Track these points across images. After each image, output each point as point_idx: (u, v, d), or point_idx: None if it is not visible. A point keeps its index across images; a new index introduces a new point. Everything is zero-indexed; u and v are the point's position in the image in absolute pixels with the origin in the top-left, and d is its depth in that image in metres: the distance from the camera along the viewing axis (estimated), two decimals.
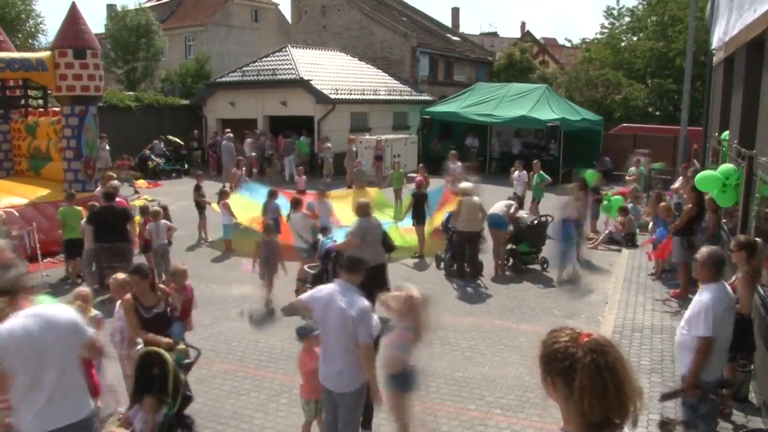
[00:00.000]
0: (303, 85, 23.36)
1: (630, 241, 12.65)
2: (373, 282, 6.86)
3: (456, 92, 27.63)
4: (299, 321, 5.62)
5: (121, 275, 5.80)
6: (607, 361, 1.79)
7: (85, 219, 9.65)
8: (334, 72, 25.90)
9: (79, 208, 10.23)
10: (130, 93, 27.08)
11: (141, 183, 20.23)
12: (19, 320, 3.41)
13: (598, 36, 31.52)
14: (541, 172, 14.81)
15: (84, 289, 5.80)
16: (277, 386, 6.53)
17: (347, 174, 20.06)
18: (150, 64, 33.89)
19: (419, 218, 11.70)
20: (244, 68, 26.43)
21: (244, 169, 16.71)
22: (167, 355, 4.58)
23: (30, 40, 31.86)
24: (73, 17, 12.77)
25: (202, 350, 7.09)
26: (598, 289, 9.98)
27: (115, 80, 33.50)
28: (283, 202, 11.70)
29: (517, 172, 15.19)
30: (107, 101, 22.15)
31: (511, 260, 11.06)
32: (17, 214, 11.08)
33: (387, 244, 8.49)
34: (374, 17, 31.95)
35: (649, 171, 17.52)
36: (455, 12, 52.27)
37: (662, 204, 11.11)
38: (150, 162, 22.40)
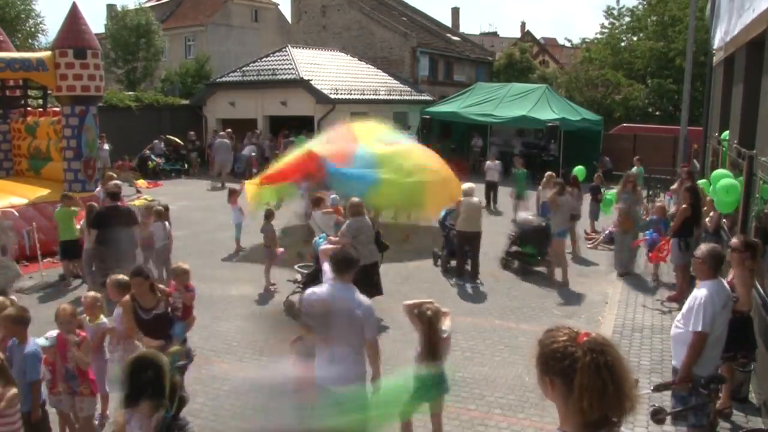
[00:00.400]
0: (303, 85, 23.36)
1: None
2: (364, 280, 6.91)
3: (456, 92, 27.64)
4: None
5: (118, 276, 5.77)
6: (607, 360, 1.79)
7: (85, 220, 9.62)
8: (334, 72, 25.91)
9: (75, 208, 10.21)
10: (130, 93, 27.08)
11: (141, 183, 20.23)
12: None
13: (598, 36, 31.55)
14: (523, 169, 15.24)
15: (91, 294, 5.78)
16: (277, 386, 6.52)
17: None
18: (150, 64, 33.89)
19: None
20: (244, 68, 26.43)
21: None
22: (161, 357, 4.50)
23: (30, 40, 31.87)
24: (74, 17, 12.77)
25: (202, 350, 7.09)
26: (598, 289, 9.98)
27: (115, 80, 33.50)
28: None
29: (488, 162, 16.87)
30: (107, 101, 22.15)
31: (516, 262, 11.07)
32: (17, 214, 11.07)
33: (380, 243, 8.50)
34: (374, 17, 31.95)
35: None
36: (455, 12, 52.27)
37: (658, 204, 11.12)
38: (150, 162, 22.40)
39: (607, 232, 13.08)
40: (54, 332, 5.07)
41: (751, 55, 8.30)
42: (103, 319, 5.60)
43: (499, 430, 5.69)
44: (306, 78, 23.61)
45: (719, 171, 8.68)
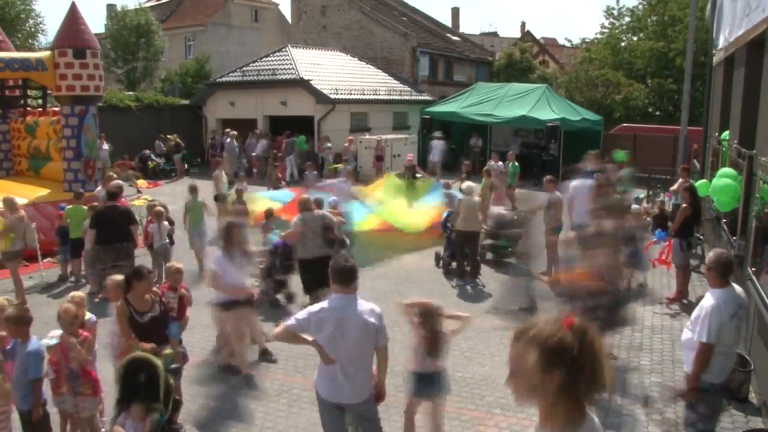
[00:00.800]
0: (303, 85, 23.36)
1: None
2: (316, 275, 6.93)
3: (456, 92, 27.62)
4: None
5: (117, 277, 5.75)
6: (591, 341, 1.85)
7: (87, 220, 9.63)
8: (334, 72, 25.90)
9: (86, 207, 10.25)
10: (130, 93, 27.07)
11: (141, 183, 20.22)
12: None
13: (598, 36, 31.49)
14: (515, 162, 16.73)
15: (78, 293, 5.75)
16: (277, 386, 6.53)
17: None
18: (150, 64, 33.90)
19: None
20: (244, 68, 26.43)
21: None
22: (156, 360, 4.46)
23: (30, 40, 31.87)
24: (73, 17, 12.77)
25: (202, 350, 7.10)
26: None
27: (115, 80, 33.50)
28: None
29: (492, 162, 16.79)
30: (107, 101, 22.16)
31: (490, 254, 11.52)
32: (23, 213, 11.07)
33: (328, 239, 8.50)
34: (374, 17, 31.95)
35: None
36: (455, 12, 52.29)
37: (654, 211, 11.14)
38: (150, 162, 22.40)
39: None
40: (58, 331, 5.06)
41: (751, 55, 8.29)
42: (88, 315, 5.56)
43: (499, 430, 5.69)
44: (306, 78, 23.61)
45: (725, 170, 8.68)
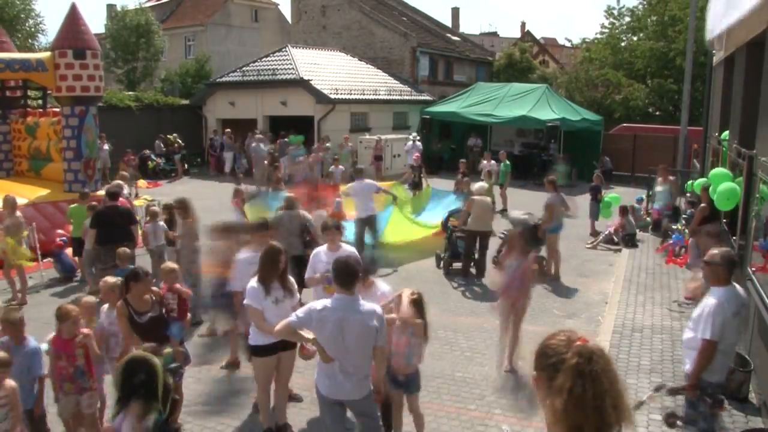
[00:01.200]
0: (303, 85, 23.36)
1: (630, 242, 12.65)
2: (294, 272, 6.83)
3: (456, 92, 27.62)
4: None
5: (110, 279, 5.74)
6: (593, 369, 1.76)
7: (87, 219, 9.62)
8: (334, 72, 25.91)
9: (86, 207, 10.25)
10: (130, 93, 27.08)
11: (141, 183, 20.22)
12: None
13: (598, 36, 31.46)
14: (507, 161, 16.84)
15: (90, 299, 5.77)
16: None
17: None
18: (150, 64, 33.91)
19: None
20: (244, 68, 26.43)
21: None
22: (155, 360, 4.48)
23: (30, 40, 31.88)
24: (73, 17, 12.78)
25: (202, 350, 7.09)
26: (598, 289, 9.99)
27: (115, 80, 33.51)
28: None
29: (485, 161, 16.96)
30: (107, 101, 22.16)
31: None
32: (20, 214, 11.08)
33: (304, 239, 8.42)
34: (374, 17, 31.95)
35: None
36: (455, 12, 52.29)
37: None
38: (150, 162, 22.41)
39: (606, 232, 13.09)
40: (48, 336, 5.05)
41: (751, 55, 8.29)
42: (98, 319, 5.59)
43: (499, 430, 5.69)
44: (306, 78, 23.61)
45: (718, 170, 8.68)
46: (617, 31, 30.85)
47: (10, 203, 9.57)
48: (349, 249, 6.09)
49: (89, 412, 5.19)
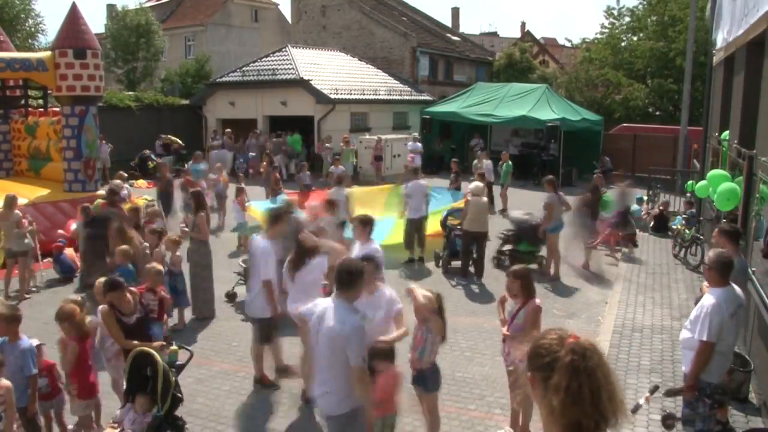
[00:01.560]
0: (303, 85, 23.37)
1: (630, 242, 12.63)
2: None
3: (456, 92, 27.62)
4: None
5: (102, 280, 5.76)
6: (587, 365, 1.77)
7: (78, 220, 9.65)
8: (334, 72, 25.91)
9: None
10: (130, 93, 27.08)
11: (141, 183, 20.23)
12: None
13: (598, 36, 31.45)
14: (509, 162, 16.76)
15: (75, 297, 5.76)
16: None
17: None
18: (150, 64, 33.91)
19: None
20: (244, 68, 26.44)
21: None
22: (158, 356, 4.58)
23: (30, 40, 31.88)
24: (74, 17, 12.78)
25: (202, 350, 7.10)
26: (598, 289, 9.99)
27: (115, 80, 33.51)
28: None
29: (476, 161, 16.94)
30: (107, 101, 22.15)
31: (507, 260, 11.08)
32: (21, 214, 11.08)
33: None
34: (374, 17, 31.95)
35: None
36: (455, 12, 52.30)
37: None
38: (150, 162, 22.37)
39: (606, 232, 13.06)
40: (35, 341, 5.05)
41: (751, 55, 8.29)
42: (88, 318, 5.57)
43: (499, 430, 5.68)
44: (306, 78, 23.61)
45: (716, 171, 8.68)
46: (617, 31, 30.84)
47: (8, 202, 9.57)
48: (375, 245, 6.40)
49: (77, 414, 5.20)
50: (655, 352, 7.26)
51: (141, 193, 16.46)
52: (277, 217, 6.62)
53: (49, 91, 14.89)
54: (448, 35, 37.61)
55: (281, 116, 24.69)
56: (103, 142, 19.63)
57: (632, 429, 5.51)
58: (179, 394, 4.78)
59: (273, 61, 25.94)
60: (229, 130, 23.73)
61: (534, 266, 11.02)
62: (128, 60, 33.11)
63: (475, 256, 10.54)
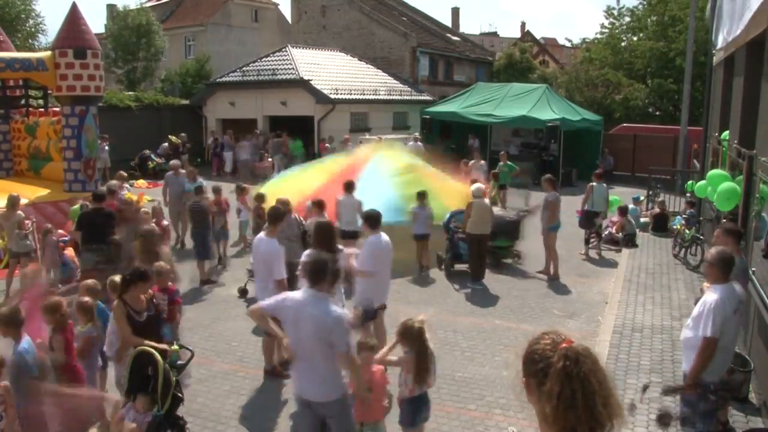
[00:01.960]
0: (303, 85, 23.37)
1: (630, 242, 12.65)
2: (293, 277, 6.77)
3: (456, 92, 27.61)
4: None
5: (117, 278, 5.74)
6: (580, 371, 1.75)
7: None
8: (334, 72, 25.91)
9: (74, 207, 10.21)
10: (130, 93, 27.08)
11: (141, 183, 20.24)
12: None
13: (598, 36, 31.46)
14: (509, 162, 16.67)
15: (87, 299, 5.75)
16: (277, 386, 6.52)
17: None
18: (150, 64, 33.91)
19: None
20: (244, 68, 26.44)
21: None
22: (158, 356, 4.59)
23: (30, 40, 31.91)
24: (74, 17, 12.79)
25: (202, 350, 7.09)
26: (598, 289, 9.99)
27: (115, 80, 33.51)
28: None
29: (473, 161, 16.74)
30: (107, 101, 22.15)
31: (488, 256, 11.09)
32: (24, 215, 11.07)
33: (305, 242, 8.46)
34: (374, 17, 31.95)
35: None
36: (455, 12, 52.32)
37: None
38: (150, 162, 22.39)
39: (606, 232, 13.09)
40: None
41: (751, 55, 8.29)
42: (88, 326, 5.56)
43: (499, 430, 5.69)
44: (306, 78, 23.62)
45: (716, 171, 8.68)
46: (617, 31, 30.85)
47: (11, 202, 9.57)
48: (385, 237, 6.69)
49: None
50: (655, 352, 7.25)
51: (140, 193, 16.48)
52: (276, 215, 6.67)
53: (49, 91, 14.89)
54: (448, 35, 37.61)
55: (281, 116, 24.70)
56: (105, 144, 19.74)
57: (632, 429, 5.51)
58: (180, 394, 4.79)
59: (273, 61, 25.94)
60: (230, 130, 23.76)
61: (509, 260, 11.29)
62: (128, 60, 33.11)
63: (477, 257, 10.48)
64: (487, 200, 10.36)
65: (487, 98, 24.40)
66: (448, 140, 25.43)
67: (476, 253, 10.19)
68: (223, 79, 26.45)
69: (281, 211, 6.90)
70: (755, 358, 6.25)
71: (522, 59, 37.61)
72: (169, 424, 4.68)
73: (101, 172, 14.29)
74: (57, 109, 14.37)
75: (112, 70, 32.43)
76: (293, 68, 24.39)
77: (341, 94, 24.05)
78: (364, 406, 4.54)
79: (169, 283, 6.31)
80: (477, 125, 23.67)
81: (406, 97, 28.07)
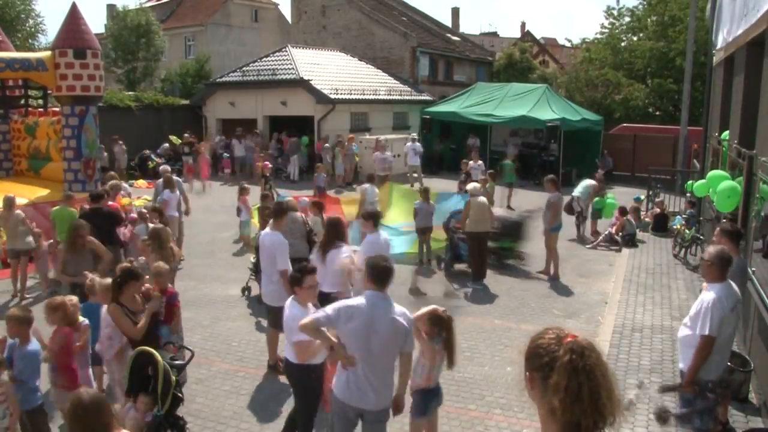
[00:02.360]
0: (303, 85, 23.36)
1: (630, 242, 12.65)
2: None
3: (456, 92, 27.62)
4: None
5: (106, 280, 5.69)
6: (586, 364, 1.77)
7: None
8: (334, 72, 25.90)
9: (73, 209, 10.13)
10: (130, 93, 27.07)
11: (141, 183, 20.24)
12: None
13: (598, 36, 31.46)
14: (510, 161, 17.29)
15: (73, 297, 5.73)
16: (277, 386, 6.52)
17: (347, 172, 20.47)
18: (150, 64, 33.91)
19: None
20: (244, 68, 26.43)
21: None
22: (158, 355, 4.59)
23: (30, 40, 31.91)
24: (74, 17, 12.78)
25: (202, 350, 7.10)
26: (598, 289, 9.99)
27: (115, 80, 33.50)
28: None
29: (471, 162, 16.94)
30: (107, 101, 22.16)
31: (492, 257, 11.09)
32: (24, 214, 11.06)
33: (310, 240, 8.50)
34: (374, 17, 31.94)
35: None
36: (455, 12, 52.33)
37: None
38: (150, 162, 22.39)
39: (606, 232, 13.10)
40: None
41: (751, 55, 8.29)
42: (81, 318, 5.56)
43: (499, 430, 5.69)
44: (306, 78, 23.61)
45: (716, 172, 8.68)
46: (617, 31, 30.85)
47: (7, 203, 9.55)
48: (384, 235, 7.06)
49: (60, 408, 5.17)
50: (655, 352, 7.26)
51: (141, 193, 16.50)
52: (280, 210, 6.80)
53: (49, 91, 14.88)
54: (448, 35, 37.59)
55: (281, 116, 24.69)
56: (120, 142, 20.62)
57: (632, 429, 5.51)
58: (180, 394, 4.79)
59: (273, 61, 25.93)
60: (240, 128, 23.83)
61: (511, 261, 11.25)
62: (128, 60, 33.10)
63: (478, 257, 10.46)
64: (484, 199, 10.36)
65: (487, 98, 24.41)
66: (448, 140, 25.45)
67: (476, 252, 10.16)
68: (223, 79, 26.44)
69: (285, 206, 7.00)
70: (755, 358, 6.26)
71: (522, 59, 37.60)
72: (169, 424, 4.68)
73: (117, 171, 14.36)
74: (57, 109, 14.35)
75: (112, 70, 32.42)
76: (293, 68, 24.38)
77: (341, 94, 24.04)
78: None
79: (169, 285, 6.30)
80: (477, 125, 23.68)
81: (406, 97, 28.06)
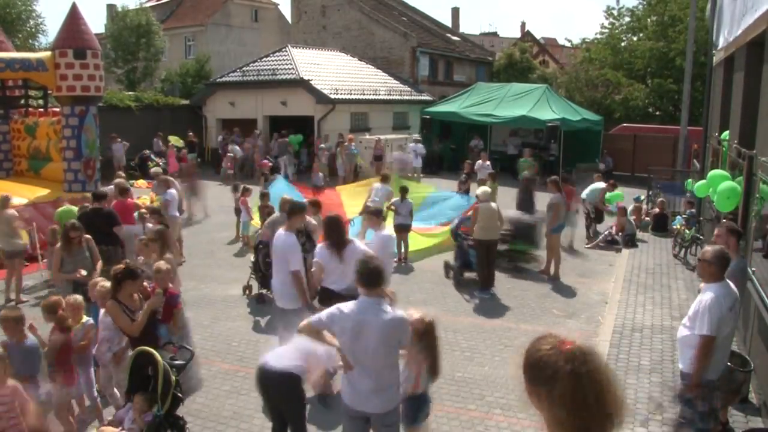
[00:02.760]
0: (303, 85, 23.36)
1: (630, 242, 12.65)
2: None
3: (456, 92, 27.62)
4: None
5: (106, 283, 5.68)
6: (588, 369, 1.76)
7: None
8: (334, 72, 25.91)
9: (75, 208, 10.15)
10: (130, 93, 27.07)
11: (140, 183, 20.23)
12: None
13: (598, 36, 31.47)
14: (529, 158, 17.51)
15: (77, 296, 5.73)
16: None
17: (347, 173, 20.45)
18: (150, 64, 33.90)
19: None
20: (244, 68, 26.43)
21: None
22: (158, 355, 4.58)
23: (30, 41, 31.93)
24: (74, 17, 12.78)
25: (202, 350, 7.09)
26: (598, 289, 9.99)
27: (115, 80, 33.51)
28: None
29: (479, 161, 17.14)
30: (107, 101, 22.15)
31: (505, 260, 10.93)
32: (17, 214, 11.06)
33: (312, 243, 8.47)
34: (374, 17, 31.94)
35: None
36: (455, 12, 52.32)
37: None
38: (150, 162, 22.37)
39: (606, 232, 13.09)
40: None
41: (751, 55, 8.29)
42: (85, 318, 5.57)
43: (499, 430, 5.69)
44: (306, 78, 23.61)
45: (716, 172, 8.68)
46: (617, 31, 30.86)
47: (1, 202, 9.53)
48: (386, 234, 7.24)
49: (56, 402, 5.21)
50: (655, 352, 7.26)
51: (141, 193, 16.49)
52: (294, 210, 6.72)
53: (49, 91, 14.88)
54: (448, 35, 37.60)
55: (281, 116, 24.69)
56: (119, 140, 20.70)
57: (632, 429, 5.52)
58: (180, 394, 4.79)
59: (273, 61, 25.93)
60: (237, 129, 23.83)
61: (525, 265, 11.09)
62: (128, 60, 33.10)
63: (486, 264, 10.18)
64: (493, 204, 9.92)
65: (487, 98, 24.41)
66: (448, 140, 25.45)
67: (485, 261, 9.70)
68: (223, 79, 26.45)
69: (298, 206, 6.90)
70: (755, 358, 6.25)
71: (522, 59, 37.61)
72: (169, 424, 4.68)
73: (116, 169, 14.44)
74: (57, 109, 14.35)
75: (112, 70, 32.42)
76: (293, 68, 24.38)
77: (341, 94, 24.04)
78: None
79: (170, 285, 6.28)
80: (477, 125, 23.68)
81: (406, 97, 28.06)
